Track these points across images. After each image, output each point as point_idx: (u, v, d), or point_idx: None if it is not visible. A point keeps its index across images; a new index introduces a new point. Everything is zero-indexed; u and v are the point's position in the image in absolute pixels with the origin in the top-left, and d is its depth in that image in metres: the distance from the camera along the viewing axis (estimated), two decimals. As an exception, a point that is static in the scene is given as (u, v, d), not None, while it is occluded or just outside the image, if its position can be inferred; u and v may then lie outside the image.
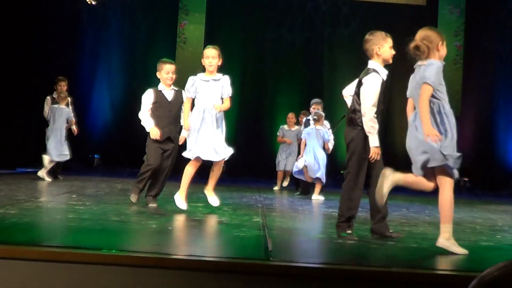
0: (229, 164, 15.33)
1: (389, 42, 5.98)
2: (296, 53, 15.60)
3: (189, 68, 15.29)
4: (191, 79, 7.32)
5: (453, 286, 4.14)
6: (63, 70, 13.76)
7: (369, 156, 5.77)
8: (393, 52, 5.99)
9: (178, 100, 7.75)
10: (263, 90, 15.70)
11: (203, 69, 7.42)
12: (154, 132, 7.60)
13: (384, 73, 5.92)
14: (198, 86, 7.25)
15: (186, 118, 7.27)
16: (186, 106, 7.38)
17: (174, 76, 7.77)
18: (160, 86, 7.83)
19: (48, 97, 11.27)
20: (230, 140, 15.31)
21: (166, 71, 7.73)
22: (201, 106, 7.19)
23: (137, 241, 5.13)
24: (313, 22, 15.67)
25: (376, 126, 5.80)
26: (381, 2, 15.44)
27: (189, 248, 4.81)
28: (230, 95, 7.30)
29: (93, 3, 12.16)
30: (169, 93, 7.80)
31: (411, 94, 5.38)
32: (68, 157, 10.94)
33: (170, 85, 7.76)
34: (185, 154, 7.31)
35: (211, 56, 7.30)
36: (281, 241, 5.43)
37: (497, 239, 6.48)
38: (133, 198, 7.71)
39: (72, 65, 14.67)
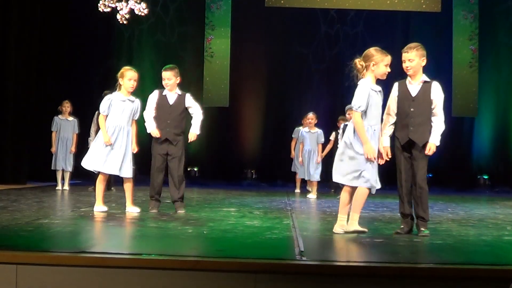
0: (259, 169, 15.47)
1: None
2: (318, 61, 15.53)
3: (216, 80, 15.38)
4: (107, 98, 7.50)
5: (479, 279, 4.10)
6: (98, 84, 13.89)
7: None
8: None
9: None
10: (287, 98, 15.66)
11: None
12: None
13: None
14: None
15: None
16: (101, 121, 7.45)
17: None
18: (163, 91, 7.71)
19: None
20: (258, 146, 15.53)
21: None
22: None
23: (174, 246, 5.12)
24: (333, 33, 15.62)
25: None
26: (397, 10, 15.34)
27: (224, 251, 4.79)
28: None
29: (125, 22, 12.21)
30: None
31: None
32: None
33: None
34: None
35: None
36: (312, 242, 5.40)
37: (519, 233, 6.40)
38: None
39: (105, 81, 14.73)
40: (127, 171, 7.44)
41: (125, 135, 7.40)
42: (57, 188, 11.24)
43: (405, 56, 6.03)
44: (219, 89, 15.43)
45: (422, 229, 5.91)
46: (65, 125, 11.40)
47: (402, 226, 6.06)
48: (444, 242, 5.52)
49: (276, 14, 15.58)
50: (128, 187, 7.52)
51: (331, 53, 15.57)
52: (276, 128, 15.45)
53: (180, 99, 7.73)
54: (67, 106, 11.43)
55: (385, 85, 6.04)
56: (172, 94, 7.72)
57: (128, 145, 7.45)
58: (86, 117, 11.58)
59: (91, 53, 14.96)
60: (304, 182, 11.79)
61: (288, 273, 4.12)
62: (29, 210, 7.24)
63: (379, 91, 5.84)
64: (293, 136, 12.12)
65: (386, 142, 6.07)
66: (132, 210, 7.39)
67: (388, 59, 5.79)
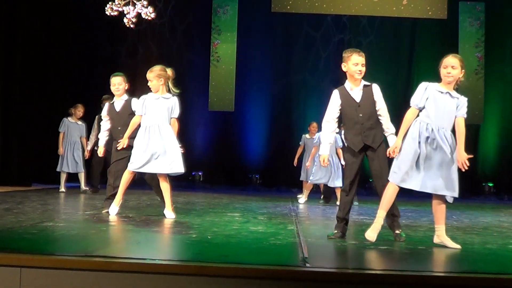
0: (263, 175, 15.45)
1: (352, 59, 6.28)
2: (323, 66, 15.51)
3: (222, 84, 15.38)
4: (141, 98, 7.50)
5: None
6: (101, 87, 13.90)
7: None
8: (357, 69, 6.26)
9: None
10: (293, 103, 15.66)
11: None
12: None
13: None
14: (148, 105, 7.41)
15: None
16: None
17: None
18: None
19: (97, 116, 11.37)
20: (262, 151, 15.51)
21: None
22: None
23: (178, 251, 5.12)
24: (338, 36, 15.60)
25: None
26: (403, 16, 15.31)
27: (228, 256, 4.79)
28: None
29: (132, 26, 12.24)
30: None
31: None
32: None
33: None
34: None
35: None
36: (316, 248, 5.39)
37: (524, 242, 6.38)
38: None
39: (108, 84, 14.68)
40: (161, 167, 7.20)
41: (158, 133, 7.25)
42: (60, 190, 11.24)
43: (361, 60, 6.21)
44: (224, 94, 15.44)
45: (397, 232, 5.92)
46: (73, 128, 11.45)
47: (336, 231, 6.07)
48: (449, 250, 5.50)
49: (282, 19, 15.59)
50: (163, 188, 7.34)
51: (337, 59, 15.49)
52: (281, 133, 15.44)
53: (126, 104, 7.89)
54: (80, 110, 11.47)
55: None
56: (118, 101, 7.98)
57: (166, 143, 7.23)
58: (89, 121, 11.62)
59: (97, 57, 14.96)
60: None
61: (292, 279, 4.10)
62: (34, 213, 7.24)
63: (448, 93, 5.55)
64: (300, 143, 11.99)
65: (325, 151, 6.13)
66: (168, 215, 7.28)
67: (447, 60, 5.55)
